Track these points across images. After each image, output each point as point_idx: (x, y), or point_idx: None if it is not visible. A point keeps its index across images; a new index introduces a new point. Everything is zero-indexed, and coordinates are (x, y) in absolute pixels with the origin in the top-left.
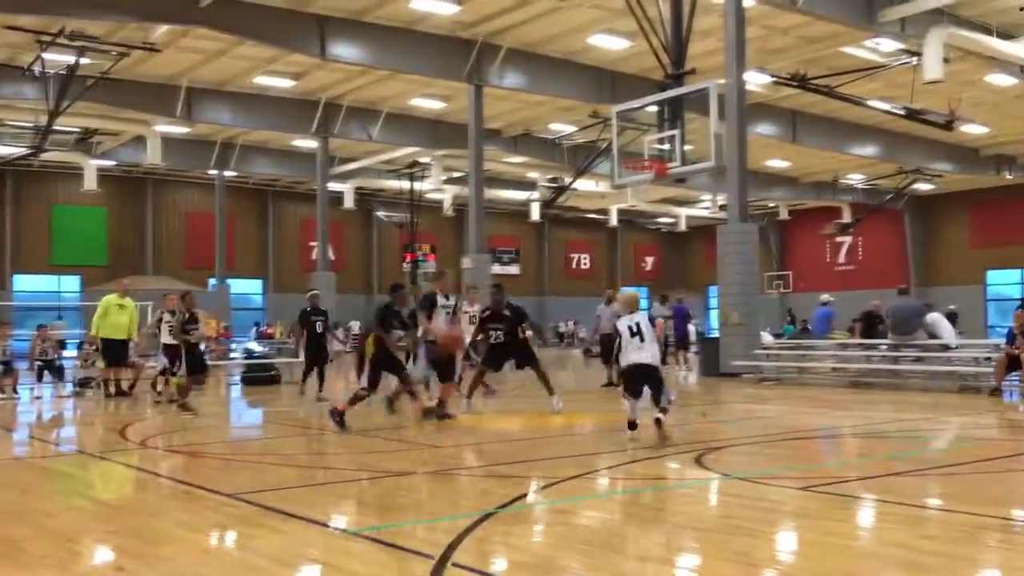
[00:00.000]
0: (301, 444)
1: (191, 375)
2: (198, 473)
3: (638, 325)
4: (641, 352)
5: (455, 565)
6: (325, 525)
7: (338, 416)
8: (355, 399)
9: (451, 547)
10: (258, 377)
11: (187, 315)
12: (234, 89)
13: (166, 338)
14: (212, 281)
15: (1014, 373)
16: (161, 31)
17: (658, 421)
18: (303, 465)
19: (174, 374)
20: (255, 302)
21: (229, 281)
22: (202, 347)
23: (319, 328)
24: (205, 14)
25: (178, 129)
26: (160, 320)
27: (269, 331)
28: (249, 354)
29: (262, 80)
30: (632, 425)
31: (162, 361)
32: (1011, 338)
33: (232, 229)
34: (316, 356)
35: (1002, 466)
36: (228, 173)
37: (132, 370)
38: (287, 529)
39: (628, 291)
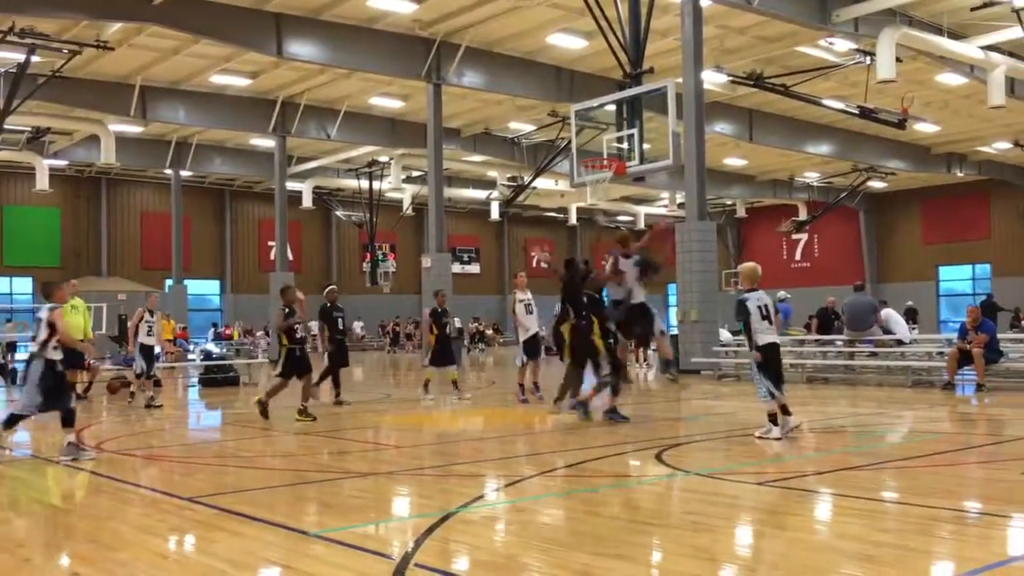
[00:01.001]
0: (260, 446)
1: (304, 375)
2: (155, 476)
3: (767, 308)
4: (773, 334)
5: (417, 565)
6: (285, 527)
7: (607, 411)
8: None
9: (413, 547)
10: (216, 379)
11: (287, 308)
12: (189, 88)
13: (145, 339)
14: (168, 282)
15: (966, 367)
16: (114, 29)
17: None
18: (262, 467)
19: (150, 377)
20: (212, 303)
21: (186, 282)
22: (158, 349)
23: (340, 324)
24: (159, 12)
25: (132, 128)
26: (142, 319)
27: (227, 332)
28: (207, 356)
29: (218, 79)
30: (785, 411)
31: (139, 364)
32: (963, 333)
33: (189, 229)
34: (338, 356)
35: (954, 459)
36: (184, 173)
37: (88, 372)
38: (247, 532)
39: (749, 264)
